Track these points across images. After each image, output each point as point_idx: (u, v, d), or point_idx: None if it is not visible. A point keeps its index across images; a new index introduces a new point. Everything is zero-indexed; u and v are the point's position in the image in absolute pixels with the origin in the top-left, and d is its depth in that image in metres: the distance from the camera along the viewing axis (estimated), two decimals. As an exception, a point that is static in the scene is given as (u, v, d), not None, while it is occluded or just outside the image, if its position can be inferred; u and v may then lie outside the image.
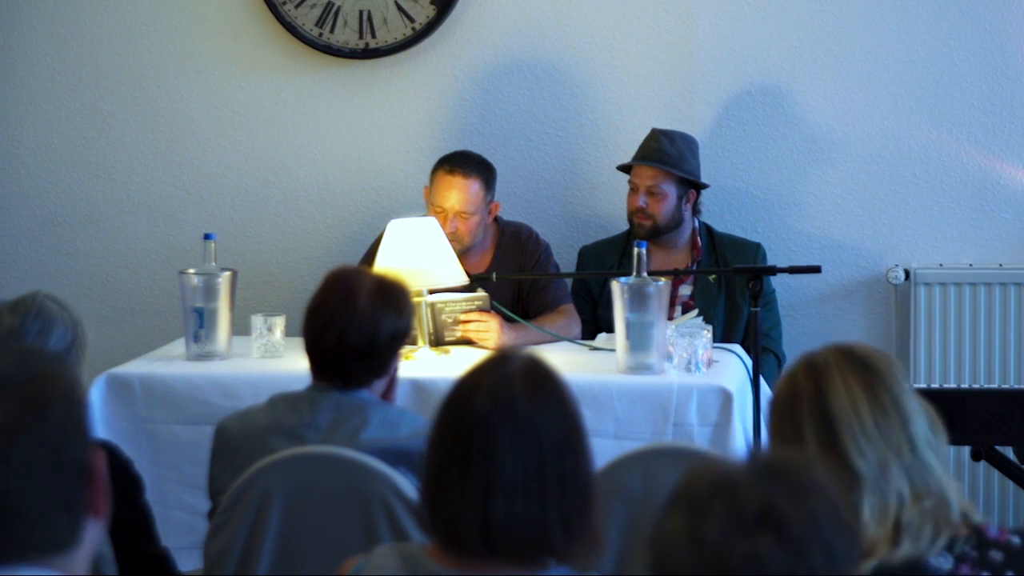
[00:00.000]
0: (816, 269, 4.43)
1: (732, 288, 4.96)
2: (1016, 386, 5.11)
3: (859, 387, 2.29)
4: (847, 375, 2.30)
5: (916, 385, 4.17)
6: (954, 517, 2.27)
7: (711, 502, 1.59)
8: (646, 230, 4.93)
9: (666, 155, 4.95)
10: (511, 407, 2.16)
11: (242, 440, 3.13)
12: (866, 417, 2.27)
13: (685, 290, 5.01)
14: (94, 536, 1.65)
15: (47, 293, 3.21)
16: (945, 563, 2.24)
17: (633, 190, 5.00)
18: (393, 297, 3.14)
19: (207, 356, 4.34)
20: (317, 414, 3.10)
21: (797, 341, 5.24)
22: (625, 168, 5.05)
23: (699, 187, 5.03)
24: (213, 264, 4.40)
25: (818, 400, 2.29)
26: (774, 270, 4.40)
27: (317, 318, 3.12)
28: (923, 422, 2.31)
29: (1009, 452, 4.42)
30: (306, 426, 3.09)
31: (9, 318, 3.10)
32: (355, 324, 3.08)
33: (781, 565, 1.56)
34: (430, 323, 4.44)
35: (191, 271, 4.39)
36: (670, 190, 4.96)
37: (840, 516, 1.61)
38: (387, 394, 3.21)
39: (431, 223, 4.54)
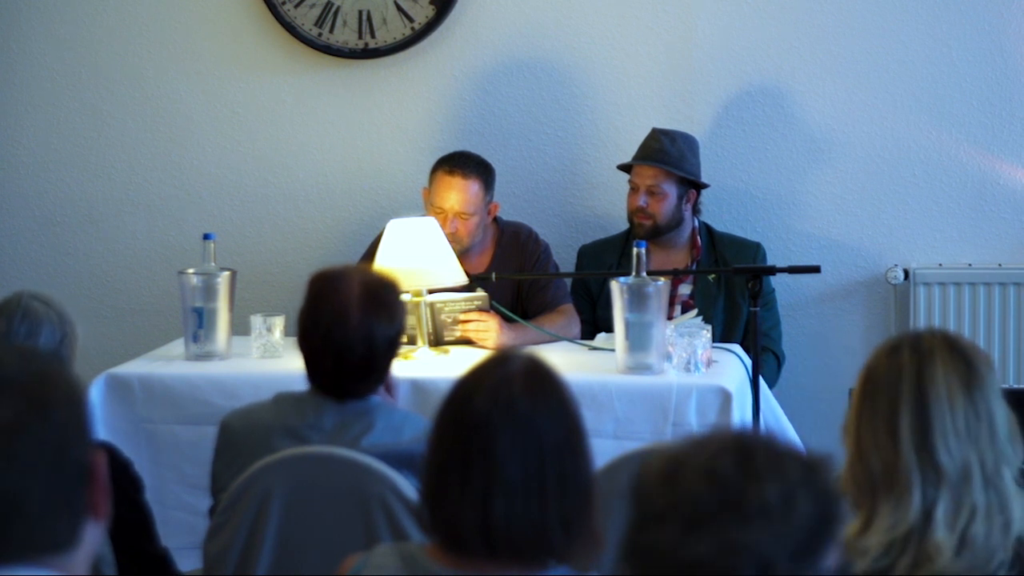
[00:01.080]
0: (816, 269, 4.44)
1: (732, 288, 4.96)
2: (1016, 386, 5.11)
3: (959, 384, 2.29)
4: (950, 370, 2.30)
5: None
6: (1011, 540, 2.26)
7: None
8: (646, 230, 4.93)
9: (667, 155, 4.95)
10: (511, 407, 2.16)
11: (246, 438, 3.12)
12: (960, 417, 2.27)
13: (685, 290, 5.01)
14: (94, 537, 1.65)
15: (32, 292, 3.17)
16: None
17: (633, 190, 5.00)
18: (384, 303, 3.08)
19: (206, 356, 4.34)
20: (322, 417, 3.08)
21: (797, 341, 5.25)
22: (625, 168, 5.05)
23: (699, 187, 5.03)
24: (212, 264, 4.40)
25: (919, 385, 2.29)
26: (773, 270, 4.40)
27: (313, 337, 3.07)
28: (1007, 435, 2.30)
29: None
30: (310, 428, 3.08)
31: None
32: (350, 343, 3.03)
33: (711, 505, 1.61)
34: (429, 323, 4.44)
35: (190, 271, 4.39)
36: (670, 190, 4.96)
37: (790, 515, 1.62)
38: (388, 389, 3.20)
39: (430, 223, 4.53)
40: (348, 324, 3.03)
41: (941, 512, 2.23)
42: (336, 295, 3.07)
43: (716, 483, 1.59)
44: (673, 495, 1.60)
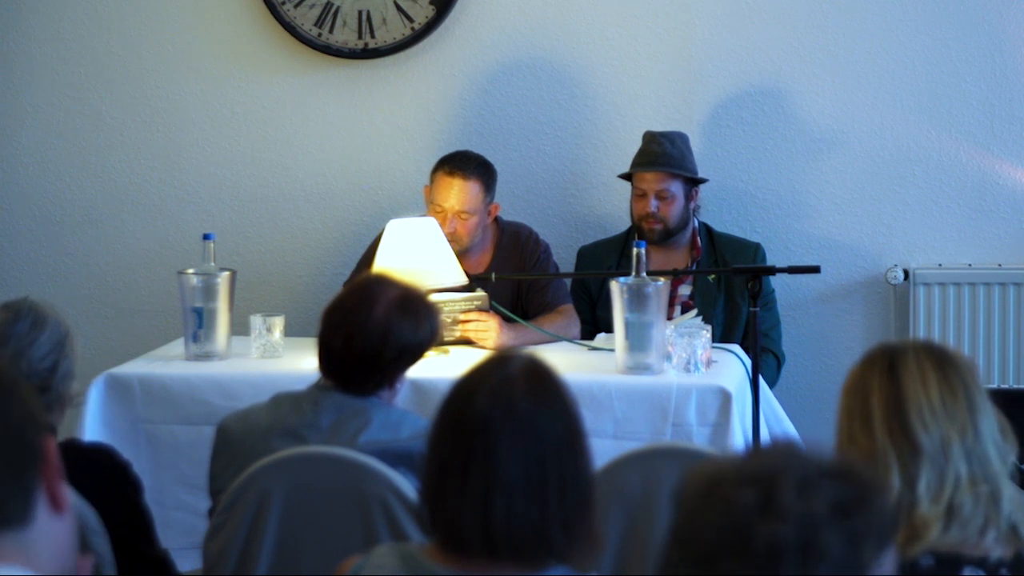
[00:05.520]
0: (815, 269, 4.43)
1: (731, 288, 4.96)
2: (1016, 386, 5.11)
3: (932, 368, 2.32)
4: (923, 359, 2.34)
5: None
6: (1003, 517, 2.27)
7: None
8: (658, 234, 4.93)
9: (670, 157, 4.95)
10: (512, 408, 2.16)
11: (243, 440, 3.12)
12: (934, 395, 2.30)
13: (684, 290, 5.01)
14: (59, 532, 1.65)
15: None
16: None
17: (641, 196, 4.98)
18: (415, 312, 3.10)
19: (206, 356, 4.34)
20: (320, 414, 3.09)
21: (796, 341, 5.25)
22: (627, 175, 5.05)
23: (699, 182, 5.03)
24: (212, 264, 4.40)
25: (890, 376, 2.32)
26: (773, 270, 4.40)
27: (331, 316, 3.12)
28: (991, 420, 2.33)
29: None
30: (308, 426, 3.09)
31: (2, 314, 3.11)
32: (364, 331, 3.06)
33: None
34: (429, 323, 4.44)
35: (190, 271, 4.39)
36: (678, 192, 4.96)
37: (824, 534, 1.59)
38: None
39: (430, 223, 4.53)
40: (372, 312, 3.07)
41: (923, 486, 2.26)
42: (373, 287, 3.12)
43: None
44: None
